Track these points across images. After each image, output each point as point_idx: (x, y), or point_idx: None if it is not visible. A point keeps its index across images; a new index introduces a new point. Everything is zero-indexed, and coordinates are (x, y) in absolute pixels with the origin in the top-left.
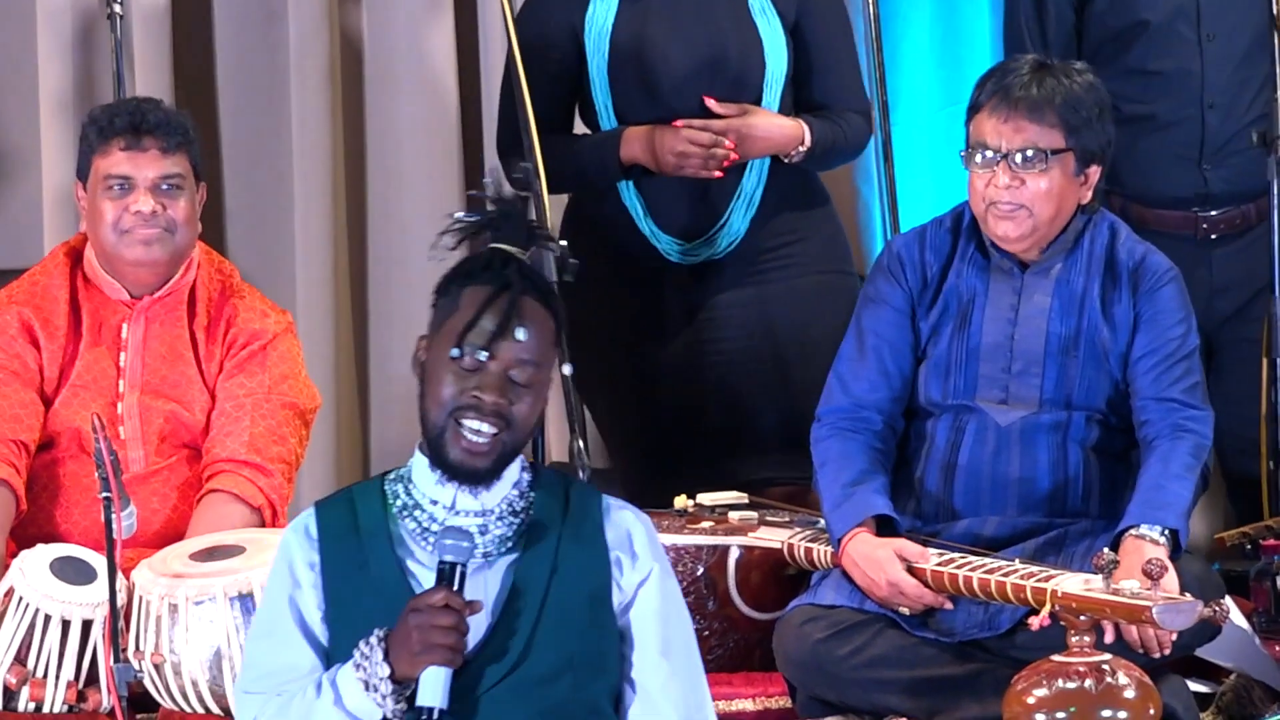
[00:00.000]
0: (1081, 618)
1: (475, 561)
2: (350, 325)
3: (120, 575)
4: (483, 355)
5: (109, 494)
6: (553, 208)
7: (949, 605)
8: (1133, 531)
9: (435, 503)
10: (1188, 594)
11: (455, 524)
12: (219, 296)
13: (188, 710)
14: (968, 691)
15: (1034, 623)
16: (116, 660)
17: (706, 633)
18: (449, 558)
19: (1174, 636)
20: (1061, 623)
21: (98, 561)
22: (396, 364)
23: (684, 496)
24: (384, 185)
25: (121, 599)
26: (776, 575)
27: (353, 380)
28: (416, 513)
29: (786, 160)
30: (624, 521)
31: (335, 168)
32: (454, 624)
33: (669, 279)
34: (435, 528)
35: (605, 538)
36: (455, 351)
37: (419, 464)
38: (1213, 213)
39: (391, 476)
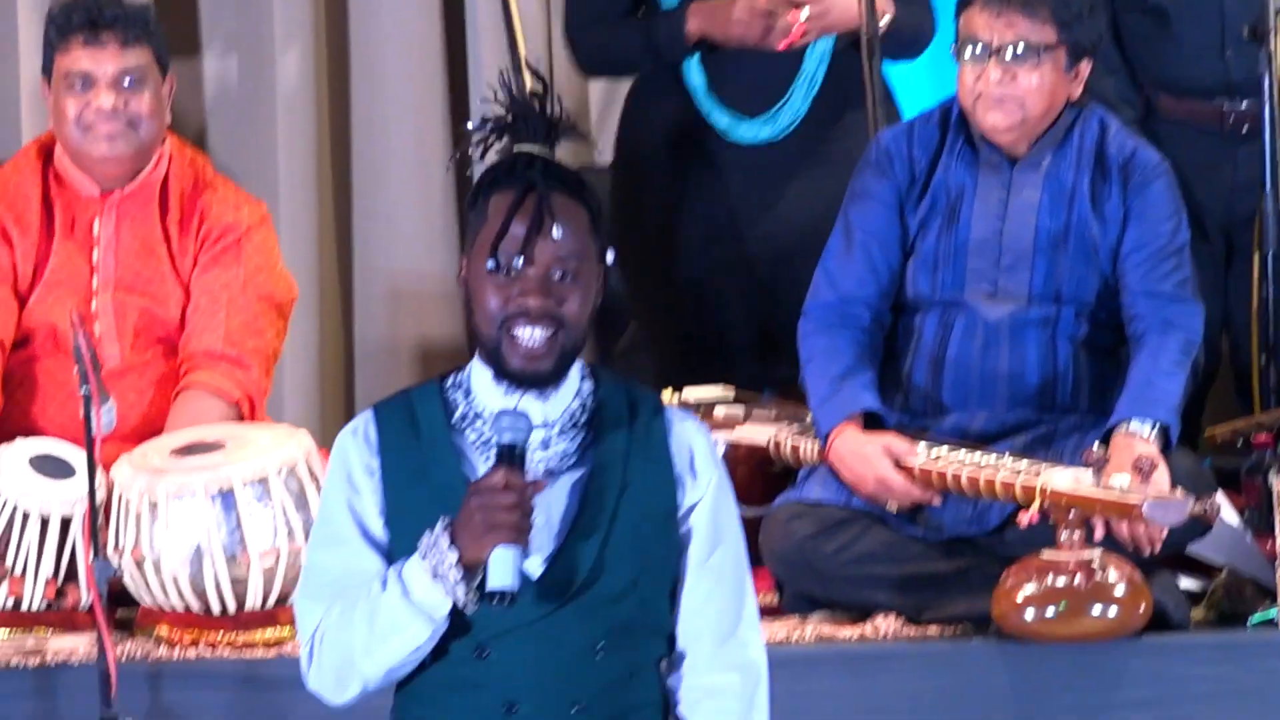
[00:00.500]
0: (1071, 514)
1: (536, 448)
2: (333, 218)
3: (100, 471)
4: (519, 262)
5: (88, 390)
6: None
7: (937, 501)
8: (1123, 427)
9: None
10: (1178, 490)
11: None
12: (191, 189)
13: (167, 608)
14: (956, 588)
15: (1023, 519)
16: (96, 557)
17: None
18: (507, 438)
19: (1164, 533)
20: (1051, 519)
21: (76, 457)
22: (380, 258)
23: (670, 390)
24: (367, 78)
25: (101, 495)
26: (763, 471)
27: (335, 274)
28: (478, 423)
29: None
30: (686, 435)
31: (319, 59)
32: (516, 503)
33: (715, 165)
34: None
35: (671, 454)
36: (491, 264)
37: (479, 375)
38: (1242, 105)
39: (450, 384)
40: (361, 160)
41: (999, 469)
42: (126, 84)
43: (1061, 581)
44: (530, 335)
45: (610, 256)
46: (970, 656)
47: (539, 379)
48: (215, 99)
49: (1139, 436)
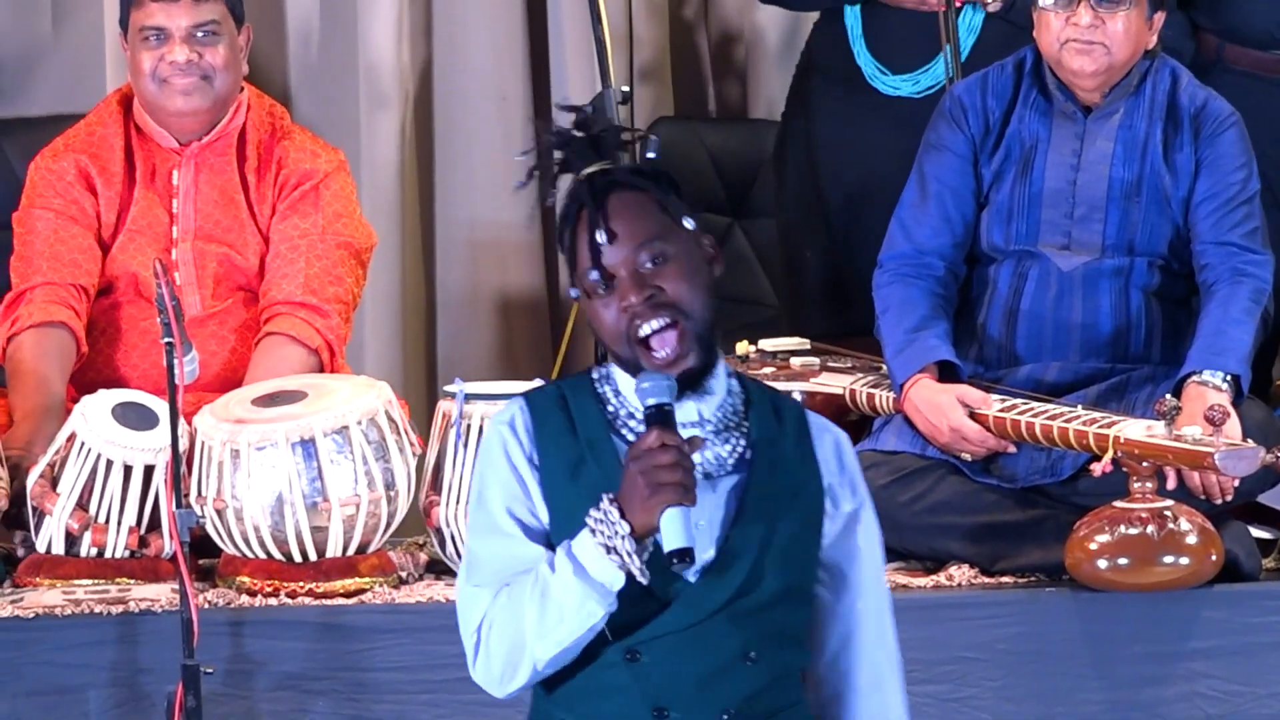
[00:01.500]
0: (1144, 464)
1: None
2: (415, 169)
3: (182, 421)
4: (596, 275)
5: (171, 339)
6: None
7: (1012, 450)
8: (1195, 378)
9: None
10: (1250, 440)
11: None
12: (269, 138)
13: (249, 555)
14: (1029, 537)
15: (1096, 469)
16: (178, 506)
17: None
18: (652, 400)
19: (1236, 482)
20: (1124, 469)
21: (159, 407)
22: (460, 207)
23: (746, 343)
24: (450, 31)
25: (183, 444)
26: (839, 421)
27: (417, 225)
28: (631, 423)
29: (984, 8)
30: (829, 442)
31: (401, 14)
32: (677, 460)
33: (871, 112)
34: None
35: (818, 461)
36: (575, 293)
37: (623, 379)
38: None
39: (597, 377)
40: (443, 112)
41: (1072, 419)
42: (200, 36)
43: (1134, 531)
44: (654, 329)
45: (690, 223)
46: (1043, 606)
47: (687, 378)
48: (298, 52)
49: (1211, 386)
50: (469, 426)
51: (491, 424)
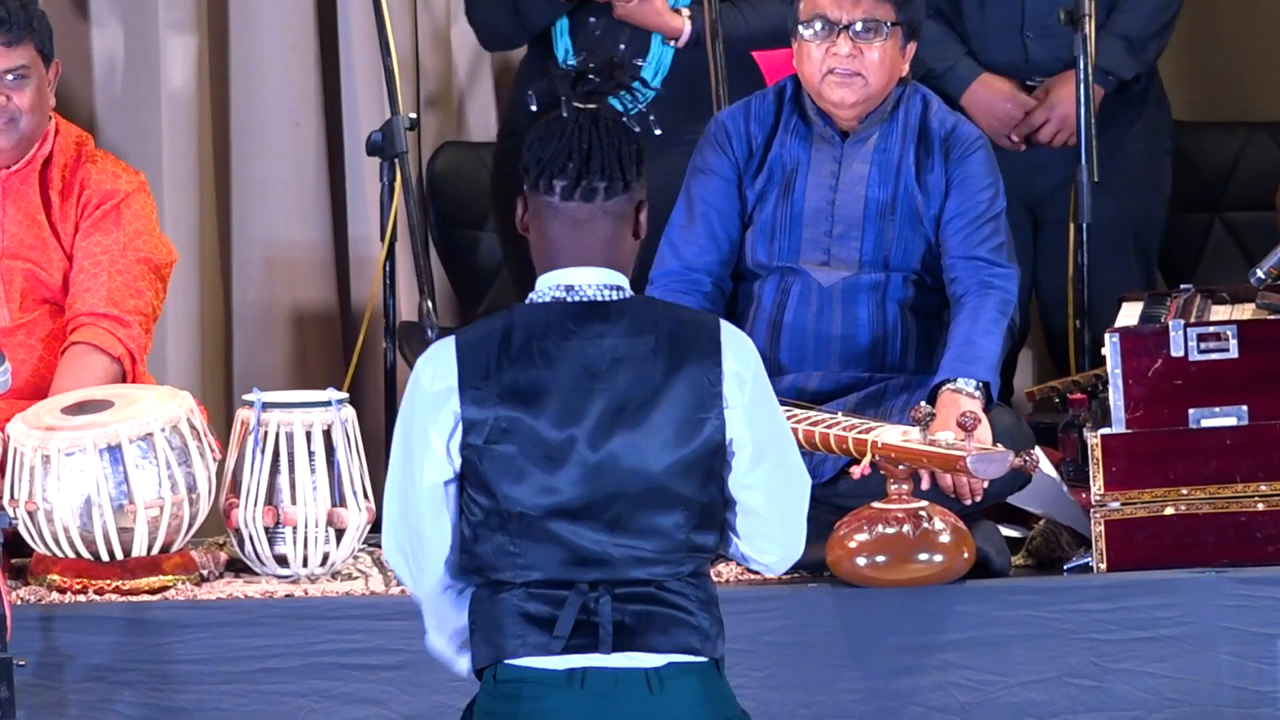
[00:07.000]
0: (900, 467)
1: None
2: (213, 192)
3: None
4: None
5: None
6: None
7: None
8: (948, 385)
9: None
10: (999, 445)
11: None
12: (73, 162)
13: (59, 554)
14: None
15: (855, 472)
16: None
17: None
18: None
19: (986, 484)
20: (881, 471)
21: None
22: (256, 228)
23: None
24: (246, 63)
25: None
26: None
27: (215, 244)
28: None
29: (673, 44)
30: None
31: (201, 44)
32: None
33: None
34: None
35: None
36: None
37: None
38: (1041, 83)
39: None
40: (239, 138)
41: (833, 425)
42: (10, 80)
43: (891, 530)
44: None
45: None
46: (806, 600)
47: None
48: (104, 81)
49: (963, 394)
50: (265, 433)
51: None
